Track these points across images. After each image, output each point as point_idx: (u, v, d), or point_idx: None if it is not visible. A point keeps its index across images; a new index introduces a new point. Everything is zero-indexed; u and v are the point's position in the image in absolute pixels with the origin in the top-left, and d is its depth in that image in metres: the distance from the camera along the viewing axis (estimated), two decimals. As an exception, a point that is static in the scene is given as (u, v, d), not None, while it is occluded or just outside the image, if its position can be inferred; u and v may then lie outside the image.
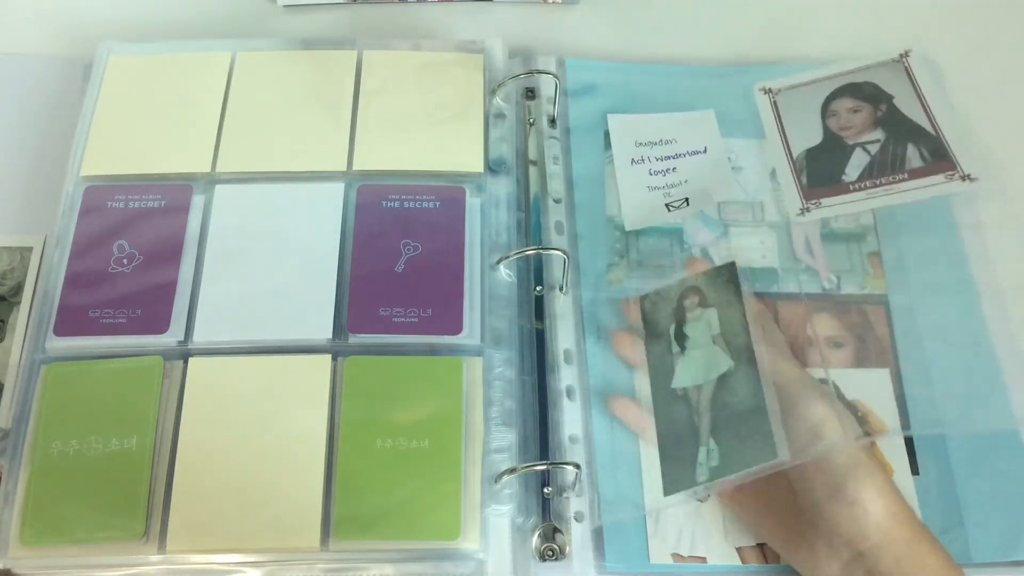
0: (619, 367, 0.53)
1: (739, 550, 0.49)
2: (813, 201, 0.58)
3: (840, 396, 0.53)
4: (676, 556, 0.49)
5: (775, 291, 0.56)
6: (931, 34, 0.65)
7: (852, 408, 0.52)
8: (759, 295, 0.55)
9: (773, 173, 0.60)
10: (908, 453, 0.52)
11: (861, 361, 0.54)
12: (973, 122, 0.61)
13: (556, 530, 0.49)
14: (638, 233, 0.57)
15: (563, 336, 0.54)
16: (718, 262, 0.56)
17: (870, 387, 0.53)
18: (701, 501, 0.50)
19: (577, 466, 0.49)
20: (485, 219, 0.56)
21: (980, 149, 0.60)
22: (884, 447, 0.52)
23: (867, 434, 0.51)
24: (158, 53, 0.60)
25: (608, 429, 0.52)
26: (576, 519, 0.49)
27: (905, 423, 0.52)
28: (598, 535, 0.49)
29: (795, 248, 0.57)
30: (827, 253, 0.57)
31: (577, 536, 0.49)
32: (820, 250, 0.57)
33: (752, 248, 0.57)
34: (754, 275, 0.56)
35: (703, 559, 0.49)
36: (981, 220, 0.58)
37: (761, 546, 0.49)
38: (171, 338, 0.51)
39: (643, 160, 0.59)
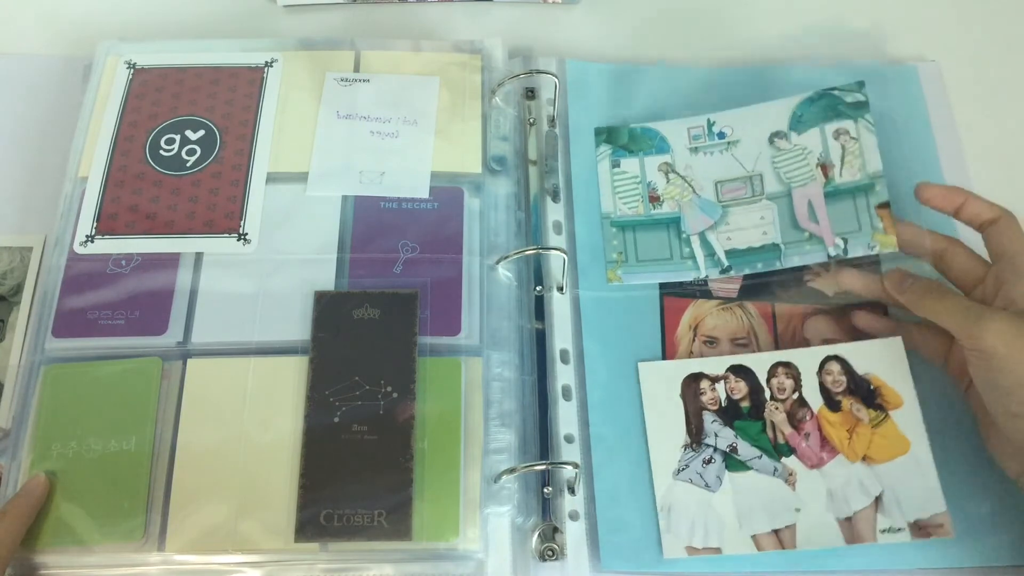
0: (621, 365, 0.53)
1: (754, 538, 0.49)
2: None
3: (851, 370, 0.52)
4: (690, 549, 0.49)
5: (778, 268, 0.54)
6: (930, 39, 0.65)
7: (864, 382, 0.51)
8: (759, 277, 0.55)
9: (771, 138, 0.57)
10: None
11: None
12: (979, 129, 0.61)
13: (556, 530, 0.49)
14: (635, 229, 0.57)
15: (560, 336, 0.54)
16: (716, 248, 0.55)
17: (882, 358, 0.51)
18: (711, 491, 0.50)
19: (576, 465, 0.49)
20: (484, 219, 0.56)
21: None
22: (900, 420, 0.50)
23: (882, 408, 0.50)
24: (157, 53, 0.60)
25: (611, 423, 0.52)
26: (571, 518, 0.49)
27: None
28: (593, 534, 0.49)
29: (797, 216, 0.55)
30: (832, 214, 0.54)
31: (573, 535, 0.49)
32: (824, 213, 0.54)
33: (752, 226, 0.55)
34: (755, 255, 0.55)
35: (718, 550, 0.48)
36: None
37: (776, 532, 0.49)
38: (170, 339, 0.51)
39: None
